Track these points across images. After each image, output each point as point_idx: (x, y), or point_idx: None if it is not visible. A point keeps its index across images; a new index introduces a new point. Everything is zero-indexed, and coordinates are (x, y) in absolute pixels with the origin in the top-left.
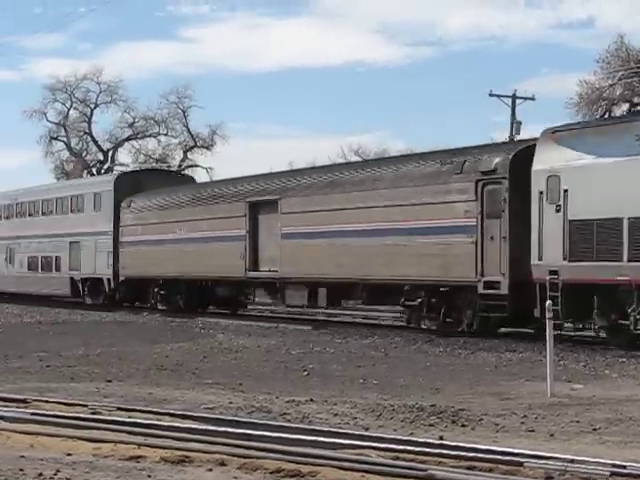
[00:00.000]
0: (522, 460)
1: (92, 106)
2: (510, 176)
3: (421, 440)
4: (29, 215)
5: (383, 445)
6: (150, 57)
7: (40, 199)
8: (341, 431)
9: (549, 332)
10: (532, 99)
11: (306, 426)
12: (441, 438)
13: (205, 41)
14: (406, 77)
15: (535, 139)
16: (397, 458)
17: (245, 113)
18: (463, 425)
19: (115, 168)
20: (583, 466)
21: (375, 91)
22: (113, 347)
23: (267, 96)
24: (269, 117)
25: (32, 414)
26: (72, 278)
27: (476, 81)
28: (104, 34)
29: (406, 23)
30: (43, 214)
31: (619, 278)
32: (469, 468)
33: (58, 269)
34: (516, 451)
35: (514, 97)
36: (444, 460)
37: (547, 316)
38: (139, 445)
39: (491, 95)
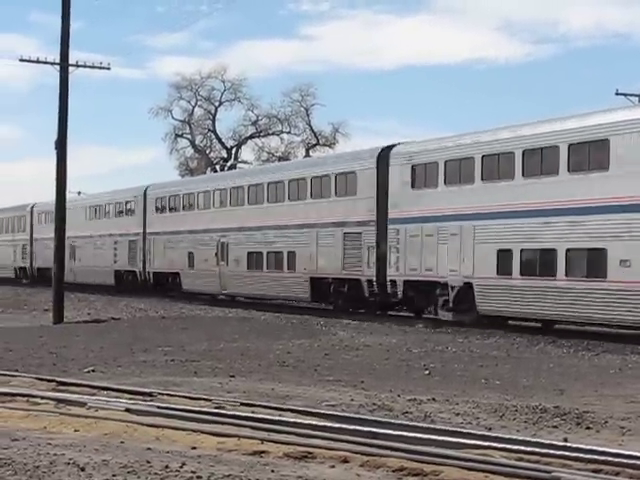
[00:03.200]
0: None
1: (216, 104)
2: None
3: (545, 442)
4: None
5: (506, 446)
6: (272, 55)
7: None
8: (464, 431)
9: None
10: None
11: (428, 425)
12: (565, 440)
13: (325, 39)
14: (527, 74)
15: None
16: (521, 459)
17: (366, 111)
18: (588, 427)
19: (238, 166)
20: None
21: (495, 88)
22: (235, 343)
23: (387, 94)
24: (390, 115)
25: (158, 407)
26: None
27: (600, 79)
28: (225, 33)
29: (528, 20)
30: None
31: None
32: (595, 471)
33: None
34: None
35: None
36: (569, 462)
37: None
38: (262, 440)
39: (617, 94)
